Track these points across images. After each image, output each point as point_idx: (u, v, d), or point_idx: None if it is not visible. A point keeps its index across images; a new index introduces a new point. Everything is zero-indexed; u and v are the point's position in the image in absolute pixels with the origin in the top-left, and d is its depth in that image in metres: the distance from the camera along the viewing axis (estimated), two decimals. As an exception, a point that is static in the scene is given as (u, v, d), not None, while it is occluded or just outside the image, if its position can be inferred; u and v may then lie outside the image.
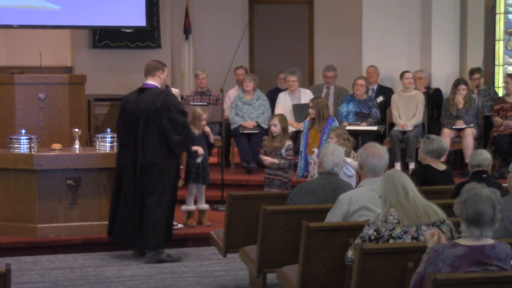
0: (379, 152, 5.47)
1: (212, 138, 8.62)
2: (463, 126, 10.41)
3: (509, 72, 11.45)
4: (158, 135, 7.49)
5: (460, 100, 10.45)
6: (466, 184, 4.27)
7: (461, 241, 4.06)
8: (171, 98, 7.73)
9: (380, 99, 11.14)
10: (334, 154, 6.08)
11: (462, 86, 10.56)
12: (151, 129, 7.50)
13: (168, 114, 7.48)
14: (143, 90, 7.67)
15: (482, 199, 4.01)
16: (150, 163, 7.53)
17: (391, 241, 4.68)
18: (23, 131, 8.36)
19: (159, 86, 7.70)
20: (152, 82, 7.69)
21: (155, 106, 7.47)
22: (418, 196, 4.76)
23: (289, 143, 8.44)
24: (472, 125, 10.47)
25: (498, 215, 4.03)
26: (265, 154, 8.52)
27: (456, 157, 10.82)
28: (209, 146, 8.63)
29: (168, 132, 7.47)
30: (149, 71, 7.73)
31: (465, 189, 4.12)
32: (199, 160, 8.34)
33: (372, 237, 4.74)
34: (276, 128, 8.40)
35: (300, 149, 9.35)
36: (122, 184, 7.63)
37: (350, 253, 4.90)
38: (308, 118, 9.65)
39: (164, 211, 7.61)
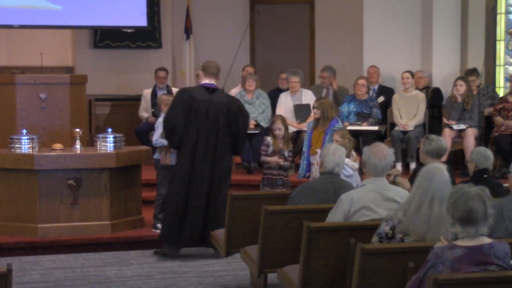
0: (382, 152, 5.46)
1: None
2: (459, 126, 10.43)
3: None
4: (230, 136, 7.72)
5: (457, 95, 10.49)
6: (458, 184, 4.25)
7: (459, 243, 4.06)
8: (241, 103, 8.07)
9: (381, 99, 11.15)
10: (335, 154, 6.09)
11: (460, 82, 10.58)
12: (227, 130, 7.66)
13: (243, 118, 7.79)
14: (211, 90, 7.72)
15: (470, 196, 4.02)
16: (226, 161, 7.76)
17: None
18: (24, 131, 8.37)
19: None
20: (214, 83, 7.78)
21: (233, 109, 7.71)
22: (443, 209, 4.58)
23: (291, 144, 8.72)
24: (473, 125, 10.48)
25: (490, 210, 4.03)
26: (267, 155, 8.59)
27: (457, 157, 10.81)
28: None
29: (241, 135, 7.83)
30: (214, 72, 7.80)
31: (453, 190, 4.12)
32: None
33: (389, 235, 4.74)
34: (281, 132, 8.56)
35: (303, 149, 9.37)
36: (194, 183, 7.64)
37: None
38: (311, 119, 9.68)
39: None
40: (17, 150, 8.18)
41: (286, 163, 8.54)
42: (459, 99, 10.52)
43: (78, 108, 9.50)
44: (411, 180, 6.86)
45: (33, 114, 9.23)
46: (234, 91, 11.21)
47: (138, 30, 12.26)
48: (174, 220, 7.69)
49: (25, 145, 8.18)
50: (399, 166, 10.32)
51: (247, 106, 10.69)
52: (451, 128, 10.48)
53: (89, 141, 10.11)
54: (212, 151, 7.64)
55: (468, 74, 11.05)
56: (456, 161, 10.83)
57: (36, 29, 11.72)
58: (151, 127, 10.93)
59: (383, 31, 11.80)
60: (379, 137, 10.41)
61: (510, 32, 11.99)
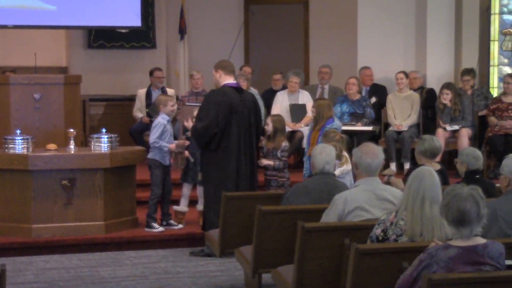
0: (373, 151, 5.47)
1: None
2: (453, 126, 10.45)
3: (509, 72, 11.46)
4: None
5: (446, 102, 10.51)
6: (450, 185, 4.25)
7: (453, 242, 4.06)
8: None
9: (373, 100, 11.14)
10: (322, 153, 6.11)
11: (445, 91, 10.60)
12: (255, 127, 7.92)
13: (259, 114, 8.16)
14: (240, 89, 7.89)
15: (463, 197, 4.02)
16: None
17: None
18: (18, 131, 8.36)
19: None
20: (235, 82, 7.95)
21: (256, 105, 8.02)
22: (434, 210, 4.62)
23: (285, 144, 8.57)
24: (466, 125, 10.50)
25: (483, 210, 4.03)
26: (263, 155, 8.59)
27: (451, 157, 10.82)
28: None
29: (261, 131, 8.18)
30: (233, 70, 8.01)
31: (446, 192, 4.12)
32: (191, 159, 8.40)
33: (380, 238, 4.73)
34: (268, 127, 8.51)
35: (305, 150, 9.38)
36: (241, 182, 7.71)
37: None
38: (307, 119, 9.70)
39: None
40: (11, 151, 8.16)
41: (277, 162, 8.48)
42: (448, 104, 10.55)
43: (72, 108, 9.48)
44: (405, 180, 6.86)
45: (27, 115, 9.21)
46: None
47: (132, 30, 12.25)
48: None
49: (19, 145, 8.16)
50: (393, 166, 10.33)
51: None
52: (444, 128, 10.50)
53: (83, 142, 10.10)
54: (250, 149, 7.80)
55: (464, 73, 11.07)
56: (450, 161, 10.83)
57: (30, 29, 11.71)
58: (145, 127, 10.95)
59: (378, 31, 11.81)
60: (373, 137, 10.41)
61: (504, 33, 12.01)
